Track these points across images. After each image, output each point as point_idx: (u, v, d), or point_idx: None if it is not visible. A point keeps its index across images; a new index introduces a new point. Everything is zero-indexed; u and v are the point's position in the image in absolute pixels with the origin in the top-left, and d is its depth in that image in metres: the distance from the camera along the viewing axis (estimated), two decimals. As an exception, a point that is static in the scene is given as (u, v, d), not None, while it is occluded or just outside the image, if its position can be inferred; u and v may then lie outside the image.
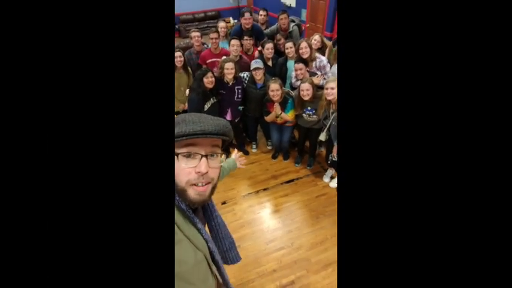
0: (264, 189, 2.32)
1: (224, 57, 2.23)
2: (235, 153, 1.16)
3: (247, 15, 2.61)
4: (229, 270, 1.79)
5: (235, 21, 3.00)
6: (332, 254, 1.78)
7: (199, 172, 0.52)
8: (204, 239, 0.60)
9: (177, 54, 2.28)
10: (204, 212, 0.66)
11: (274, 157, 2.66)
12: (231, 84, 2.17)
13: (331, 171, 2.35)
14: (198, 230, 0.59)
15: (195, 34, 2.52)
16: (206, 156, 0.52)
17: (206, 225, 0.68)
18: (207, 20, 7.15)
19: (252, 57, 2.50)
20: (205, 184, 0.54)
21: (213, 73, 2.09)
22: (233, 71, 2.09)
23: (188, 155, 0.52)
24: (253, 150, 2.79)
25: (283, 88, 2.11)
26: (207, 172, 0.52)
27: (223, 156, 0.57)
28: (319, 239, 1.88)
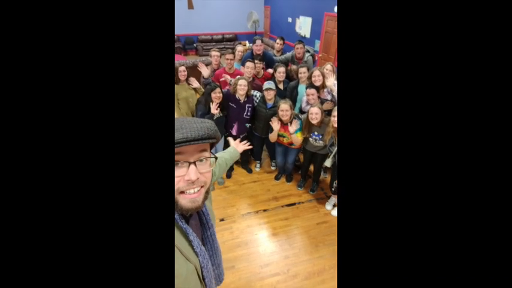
0: (264, 210, 2.27)
1: (238, 76, 2.32)
2: (232, 141, 1.13)
3: (258, 42, 2.77)
4: (221, 291, 1.67)
5: (251, 44, 3.16)
6: (329, 287, 1.68)
7: (189, 180, 0.50)
8: (195, 252, 0.58)
9: (181, 68, 2.35)
10: (199, 220, 0.64)
11: (277, 178, 2.64)
12: (242, 101, 2.23)
13: (334, 199, 2.30)
14: (190, 242, 0.57)
15: (215, 53, 2.68)
16: (194, 162, 0.51)
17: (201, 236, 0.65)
18: (224, 42, 7.55)
19: (262, 80, 2.60)
20: (198, 189, 0.52)
21: (221, 89, 2.16)
22: (246, 88, 2.17)
23: (175, 164, 0.49)
24: (257, 169, 2.78)
25: (293, 110, 2.15)
26: (197, 179, 0.51)
27: (213, 159, 0.55)
28: (317, 269, 1.79)
